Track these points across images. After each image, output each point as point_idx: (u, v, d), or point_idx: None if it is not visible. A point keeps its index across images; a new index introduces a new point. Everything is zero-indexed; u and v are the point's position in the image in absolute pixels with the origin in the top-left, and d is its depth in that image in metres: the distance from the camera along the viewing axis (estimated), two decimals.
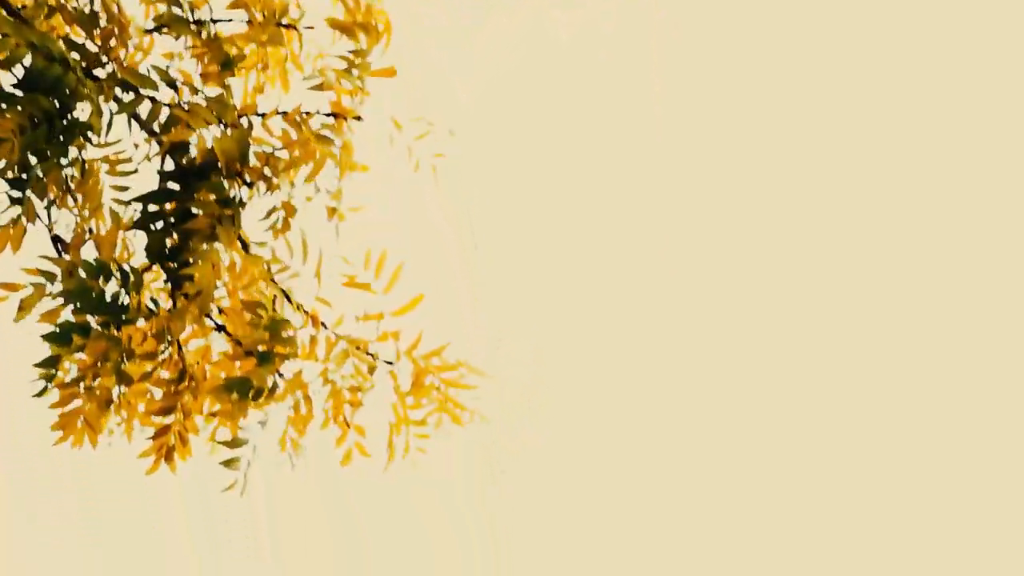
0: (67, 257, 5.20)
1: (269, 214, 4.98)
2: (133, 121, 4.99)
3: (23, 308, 5.10)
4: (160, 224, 4.91)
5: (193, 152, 4.88)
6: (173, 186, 4.94)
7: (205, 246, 4.78)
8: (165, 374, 5.19)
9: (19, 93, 4.62)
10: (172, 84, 4.92)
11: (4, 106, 4.59)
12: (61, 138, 4.74)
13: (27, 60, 4.60)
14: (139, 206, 4.92)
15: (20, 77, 4.65)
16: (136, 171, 5.10)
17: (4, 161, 4.71)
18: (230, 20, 5.18)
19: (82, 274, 4.73)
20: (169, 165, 5.01)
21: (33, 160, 4.78)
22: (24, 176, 4.70)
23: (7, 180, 4.83)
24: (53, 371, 4.78)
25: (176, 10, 5.04)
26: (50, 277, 5.04)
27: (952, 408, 12.20)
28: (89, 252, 5.37)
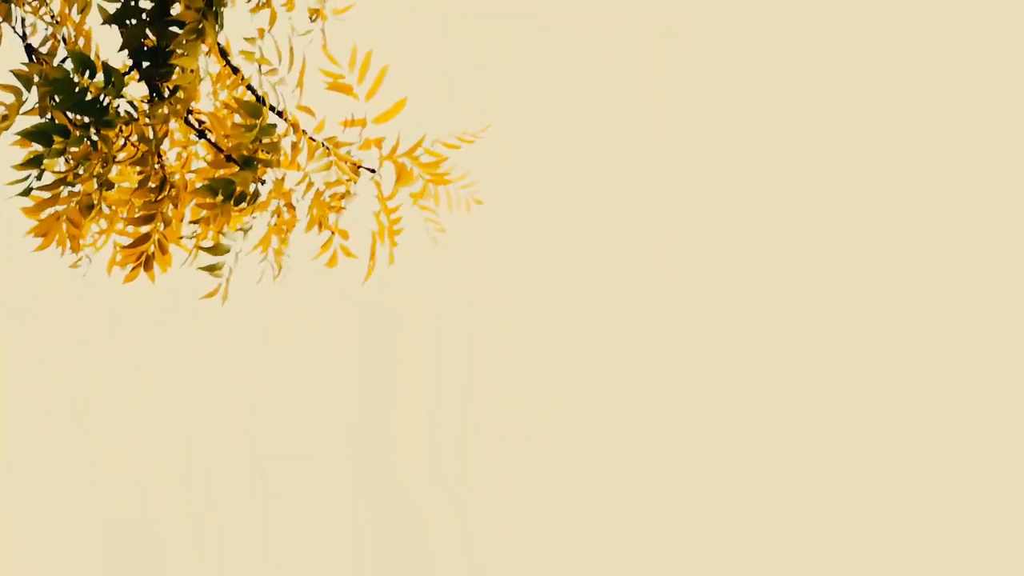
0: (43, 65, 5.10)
1: (254, 11, 4.90)
2: None
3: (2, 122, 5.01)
4: (135, 21, 4.82)
5: None
6: None
7: (189, 39, 4.69)
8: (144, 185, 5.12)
9: None
10: None
11: None
12: None
13: None
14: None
15: None
16: None
17: None
18: None
19: (68, 65, 4.64)
20: None
21: None
22: None
23: None
24: (38, 169, 4.71)
25: None
26: (26, 83, 4.95)
27: (952, 408, 12.28)
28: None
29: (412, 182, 5.05)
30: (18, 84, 4.92)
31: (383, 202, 5.13)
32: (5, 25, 5.16)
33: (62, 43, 5.20)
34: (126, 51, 4.89)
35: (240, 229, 4.97)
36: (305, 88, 5.10)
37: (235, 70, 5.07)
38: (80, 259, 5.10)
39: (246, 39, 4.90)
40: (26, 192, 4.74)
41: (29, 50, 5.18)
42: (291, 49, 5.00)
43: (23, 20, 5.12)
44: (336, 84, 5.03)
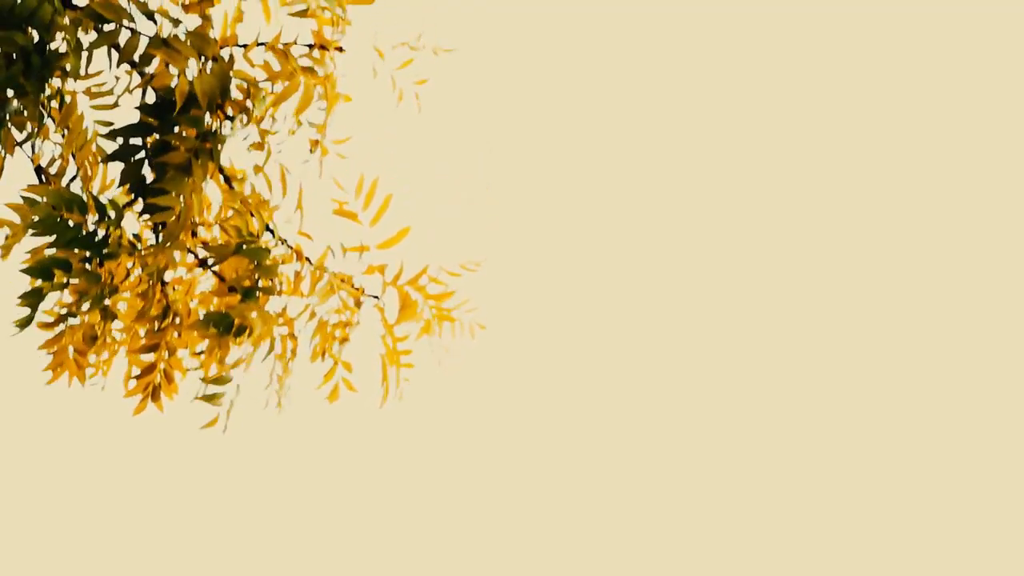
0: (51, 187, 5.15)
1: (251, 147, 4.90)
2: (113, 51, 4.91)
3: (7, 244, 5.07)
4: (139, 156, 4.84)
5: (174, 83, 4.80)
6: (152, 120, 4.86)
7: (181, 179, 4.71)
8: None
9: None
10: (150, 15, 4.84)
11: None
12: (39, 74, 4.68)
13: None
14: (119, 138, 4.85)
15: None
16: (118, 105, 5.03)
17: None
18: None
19: (57, 209, 4.66)
20: (150, 96, 4.93)
21: (10, 93, 4.73)
22: (1, 113, 4.65)
23: None
24: (37, 303, 4.74)
25: None
26: (32, 204, 5.00)
27: (952, 408, 12.01)
28: (75, 183, 5.34)
29: (416, 317, 5.02)
30: (27, 207, 4.98)
31: (388, 328, 5.10)
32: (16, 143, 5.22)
33: (71, 159, 5.26)
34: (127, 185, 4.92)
35: (241, 361, 4.97)
36: (306, 214, 5.09)
37: (238, 195, 5.07)
38: (96, 374, 5.14)
39: (239, 178, 4.91)
40: (24, 325, 4.78)
41: (38, 171, 5.23)
42: (283, 176, 5.00)
43: (33, 145, 5.17)
44: (342, 210, 5.01)
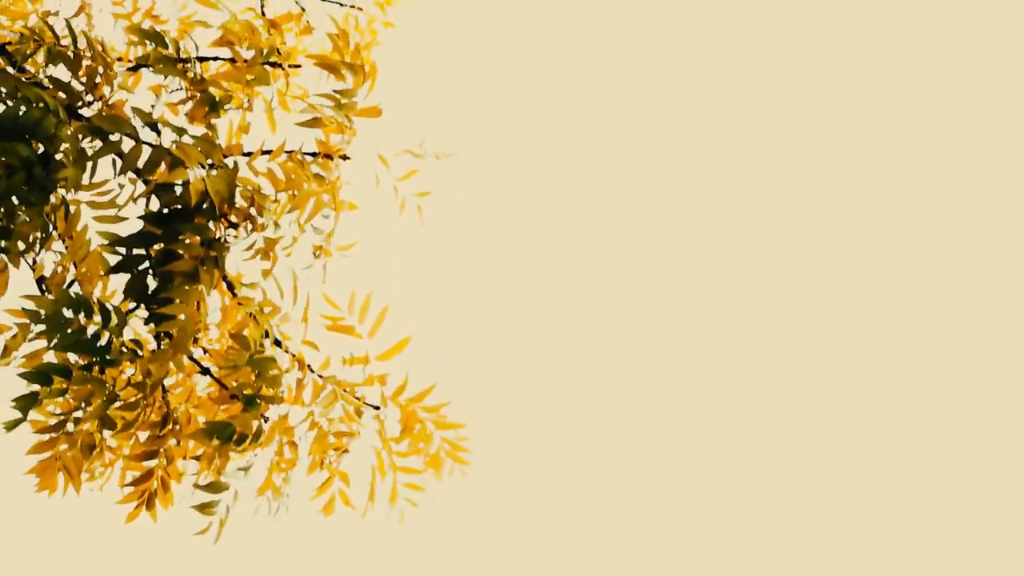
0: (50, 296, 5.14)
1: (254, 255, 4.90)
2: (117, 159, 4.91)
3: (7, 350, 5.04)
4: (143, 266, 4.84)
5: (179, 191, 4.80)
6: (154, 229, 4.86)
7: (187, 287, 4.71)
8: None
9: None
10: (154, 126, 4.85)
11: None
12: (42, 184, 4.68)
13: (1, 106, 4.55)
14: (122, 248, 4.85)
15: None
16: (121, 216, 5.02)
17: None
18: (215, 59, 5.11)
19: (63, 310, 4.64)
20: (154, 205, 4.94)
21: (15, 201, 4.72)
22: (6, 224, 4.65)
23: None
24: (29, 407, 4.71)
25: (162, 50, 4.96)
26: (34, 316, 4.98)
27: (952, 409, 12.01)
28: (74, 289, 5.32)
29: (427, 441, 5.01)
30: (27, 318, 4.95)
31: (386, 442, 5.09)
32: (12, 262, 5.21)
33: (72, 268, 5.25)
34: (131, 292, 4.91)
35: (240, 469, 4.95)
36: (310, 323, 5.09)
37: (246, 303, 5.07)
38: (96, 478, 5.11)
39: (246, 285, 4.91)
40: (11, 428, 4.74)
41: (39, 282, 5.22)
42: (295, 285, 5.01)
43: (35, 254, 5.16)
44: (336, 326, 5.02)
